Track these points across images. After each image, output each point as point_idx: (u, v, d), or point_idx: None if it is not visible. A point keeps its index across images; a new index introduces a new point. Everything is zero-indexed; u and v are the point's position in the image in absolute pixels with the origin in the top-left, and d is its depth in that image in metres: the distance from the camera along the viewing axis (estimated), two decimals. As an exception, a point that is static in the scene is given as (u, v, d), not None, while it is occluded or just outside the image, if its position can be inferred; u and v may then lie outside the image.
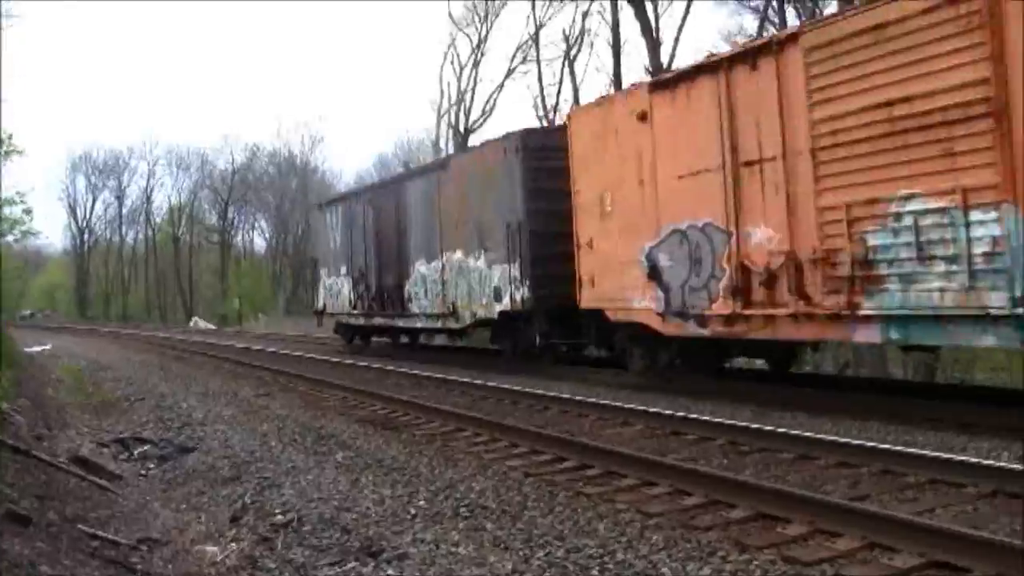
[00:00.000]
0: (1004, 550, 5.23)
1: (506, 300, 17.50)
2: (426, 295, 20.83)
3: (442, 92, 50.43)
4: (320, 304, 28.09)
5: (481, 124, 47.16)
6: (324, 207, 28.15)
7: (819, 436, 8.90)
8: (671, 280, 13.23)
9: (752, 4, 32.61)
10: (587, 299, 15.20)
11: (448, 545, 6.26)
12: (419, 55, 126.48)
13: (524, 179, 17.02)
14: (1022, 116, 8.62)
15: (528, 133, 17.75)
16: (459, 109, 48.27)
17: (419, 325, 22.02)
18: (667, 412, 10.88)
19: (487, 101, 48.10)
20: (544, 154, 17.01)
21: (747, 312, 11.96)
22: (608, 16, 35.97)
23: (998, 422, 9.28)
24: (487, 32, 47.60)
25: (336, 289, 26.53)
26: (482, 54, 48.31)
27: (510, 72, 46.35)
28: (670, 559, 5.75)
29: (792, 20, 27.03)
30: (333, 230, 26.61)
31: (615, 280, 14.45)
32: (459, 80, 49.00)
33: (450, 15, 63.06)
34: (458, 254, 19.31)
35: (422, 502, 7.39)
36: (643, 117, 13.64)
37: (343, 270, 25.94)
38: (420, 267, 21.05)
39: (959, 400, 11.19)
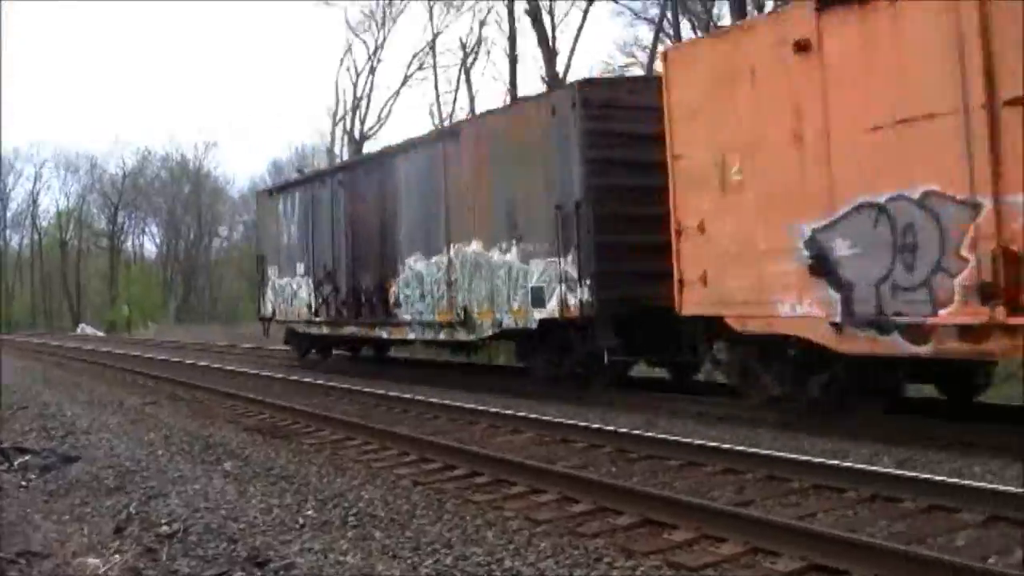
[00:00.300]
0: (881, 552, 5.33)
1: (552, 304, 13.39)
2: (422, 298, 16.58)
3: (338, 98, 51.49)
4: (268, 310, 23.37)
5: (377, 131, 47.52)
6: (275, 193, 23.54)
7: (706, 443, 9.05)
8: (855, 276, 9.32)
9: (647, 16, 33.48)
10: (696, 303, 11.21)
11: (336, 554, 6.16)
12: (315, 61, 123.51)
13: (584, 145, 12.95)
14: None
15: (588, 85, 13.63)
16: (355, 115, 48.41)
17: (411, 336, 17.61)
18: (557, 420, 11.03)
19: (383, 108, 49.01)
20: (610, 113, 13.03)
21: (1016, 321, 8.05)
22: (505, 26, 36.10)
23: (880, 431, 9.48)
24: (384, 38, 47.84)
25: (289, 292, 22.10)
26: (379, 60, 48.78)
27: (406, 79, 47.02)
28: (557, 566, 5.73)
29: (687, 33, 27.72)
30: (286, 221, 22.18)
31: (746, 276, 10.51)
32: (355, 86, 49.42)
33: (347, 21, 65.98)
34: (474, 246, 15.12)
35: (311, 511, 7.31)
36: (803, 47, 9.75)
37: (300, 269, 21.50)
38: (415, 263, 16.80)
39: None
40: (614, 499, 7.01)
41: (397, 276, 17.39)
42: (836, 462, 7.82)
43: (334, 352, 23.02)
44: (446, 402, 12.93)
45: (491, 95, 63.77)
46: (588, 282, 12.75)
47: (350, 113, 49.15)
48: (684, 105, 11.29)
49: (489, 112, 17.36)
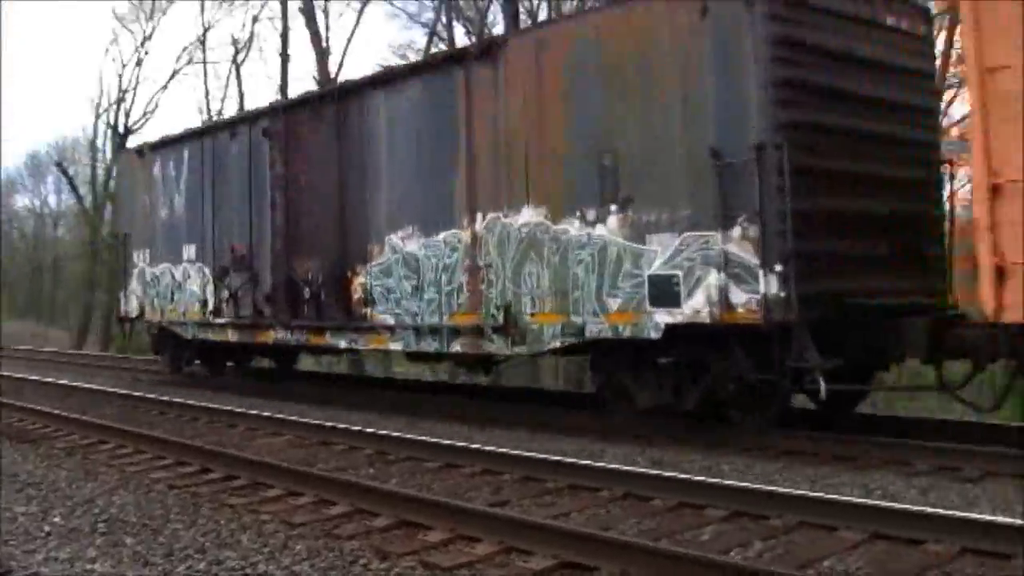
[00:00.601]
0: (629, 548, 5.38)
1: (696, 302, 8.73)
2: (416, 293, 11.54)
3: (102, 90, 52.60)
4: (132, 306, 17.43)
5: (142, 124, 45.15)
6: (149, 153, 17.37)
7: (464, 444, 9.01)
8: None
9: (422, 20, 33.01)
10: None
11: (84, 562, 5.84)
12: (78, 51, 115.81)
13: (769, 59, 8.42)
14: None
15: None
16: (119, 108, 45.39)
17: (394, 347, 12.38)
18: (316, 422, 10.76)
19: (150, 101, 49.73)
20: (807, 18, 8.65)
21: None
22: (279, 23, 35.34)
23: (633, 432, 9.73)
24: (152, 30, 45.19)
25: (169, 284, 16.29)
26: (146, 52, 46.85)
27: (175, 73, 46.31)
28: (312, 569, 5.58)
29: (461, 39, 27.29)
30: (166, 189, 16.49)
31: None
32: (120, 78, 47.29)
33: (114, 11, 63.41)
34: (526, 215, 10.27)
35: (58, 518, 6.89)
36: None
37: (188, 253, 15.85)
38: (403, 243, 11.75)
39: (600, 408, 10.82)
40: (371, 501, 6.91)
41: (368, 262, 12.21)
42: (589, 462, 7.90)
43: (229, 365, 17.60)
44: (204, 404, 12.68)
45: (263, 93, 60.63)
46: (779, 269, 8.19)
47: (114, 105, 45.51)
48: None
49: (563, 18, 12.35)
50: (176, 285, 16.20)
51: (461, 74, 11.19)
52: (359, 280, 12.36)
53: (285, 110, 14.27)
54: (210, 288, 15.24)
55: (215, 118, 34.77)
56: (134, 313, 17.53)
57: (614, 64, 9.52)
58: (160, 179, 16.76)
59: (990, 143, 7.19)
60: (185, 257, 15.98)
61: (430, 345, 11.63)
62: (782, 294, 8.18)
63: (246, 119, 15.43)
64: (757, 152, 8.32)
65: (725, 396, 9.17)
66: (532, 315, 10.26)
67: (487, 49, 11.09)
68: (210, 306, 15.22)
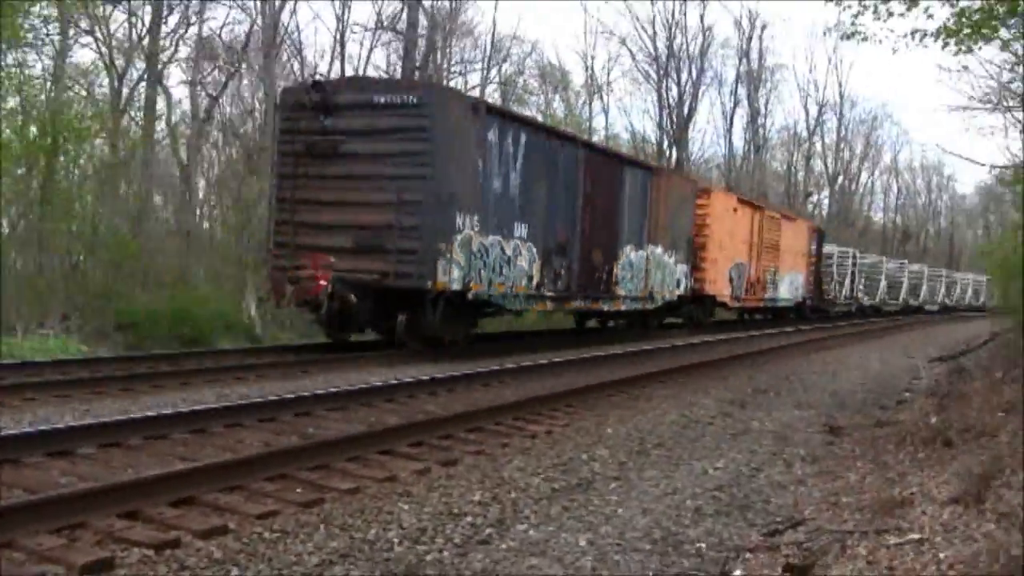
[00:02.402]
0: None
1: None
2: (632, 280, 22.86)
3: None
4: (453, 276, 15.74)
5: None
6: (486, 114, 16.69)
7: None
8: None
9: None
10: None
11: None
12: None
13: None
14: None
15: None
16: None
17: (624, 308, 22.87)
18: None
19: None
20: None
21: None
22: None
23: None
24: None
25: (495, 257, 17.10)
26: None
27: None
28: None
29: None
30: (503, 162, 17.16)
31: None
32: None
33: None
34: (657, 248, 24.77)
35: None
36: None
37: (520, 231, 17.86)
38: (629, 253, 22.90)
39: None
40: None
41: (618, 260, 22.17)
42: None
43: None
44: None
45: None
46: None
47: None
48: None
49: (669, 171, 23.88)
50: (505, 260, 17.28)
51: (655, 177, 23.95)
52: (615, 270, 21.96)
53: (593, 149, 21.20)
54: (536, 265, 18.31)
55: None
56: (456, 285, 15.83)
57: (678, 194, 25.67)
58: (496, 147, 16.80)
59: None
60: (516, 234, 17.58)
61: (632, 305, 23.40)
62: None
63: (572, 139, 20.03)
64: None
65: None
66: (661, 291, 24.64)
67: (658, 172, 24.51)
68: (535, 281, 18.36)
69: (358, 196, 15.44)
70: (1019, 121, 22.30)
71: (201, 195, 34.22)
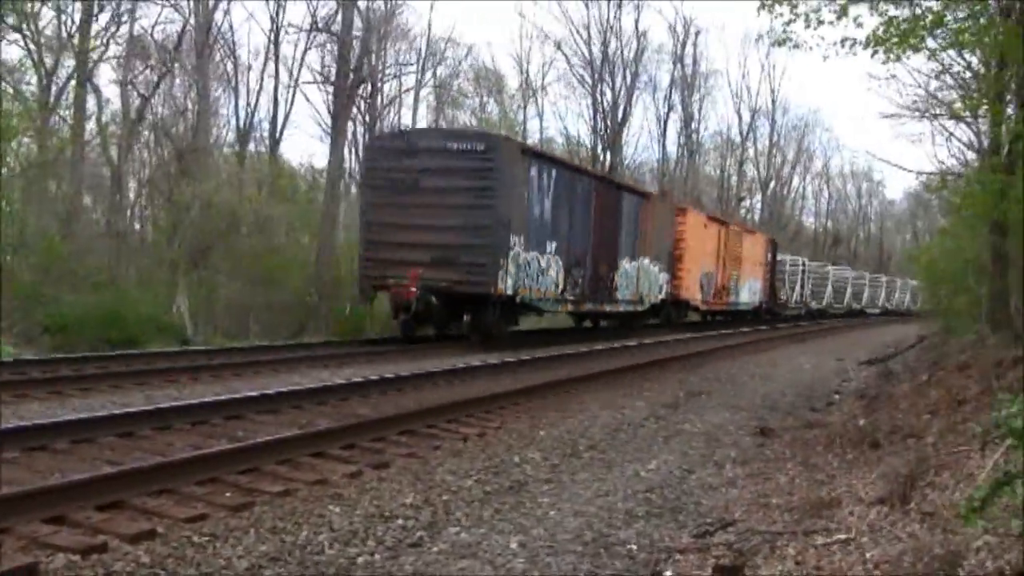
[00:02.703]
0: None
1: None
2: (627, 286, 26.71)
3: None
4: (507, 284, 20.05)
5: None
6: (529, 156, 21.25)
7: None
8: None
9: None
10: None
11: None
12: None
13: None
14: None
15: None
16: None
17: (621, 309, 27.37)
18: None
19: None
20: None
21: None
22: None
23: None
24: None
25: (535, 268, 21.55)
26: None
27: None
28: None
29: None
30: (540, 192, 21.58)
31: None
32: None
33: None
34: (645, 260, 28.68)
35: None
36: None
37: (550, 248, 22.24)
38: (625, 264, 26.70)
39: None
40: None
41: (616, 270, 26.17)
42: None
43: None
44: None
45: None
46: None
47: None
48: None
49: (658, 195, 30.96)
50: (540, 271, 21.57)
51: (645, 201, 28.27)
52: (615, 278, 26.03)
53: (600, 180, 25.76)
54: (561, 275, 22.61)
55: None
56: (510, 291, 20.05)
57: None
58: (536, 181, 21.05)
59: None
60: (547, 250, 21.84)
61: (627, 307, 27.53)
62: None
63: (586, 172, 25.59)
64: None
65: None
66: (648, 295, 27.99)
67: (647, 195, 29.38)
68: (559, 287, 22.61)
69: (434, 221, 19.48)
70: (945, 129, 22.83)
71: (132, 196, 33.73)
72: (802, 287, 48.85)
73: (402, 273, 19.39)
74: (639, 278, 27.70)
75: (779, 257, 45.02)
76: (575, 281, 23.69)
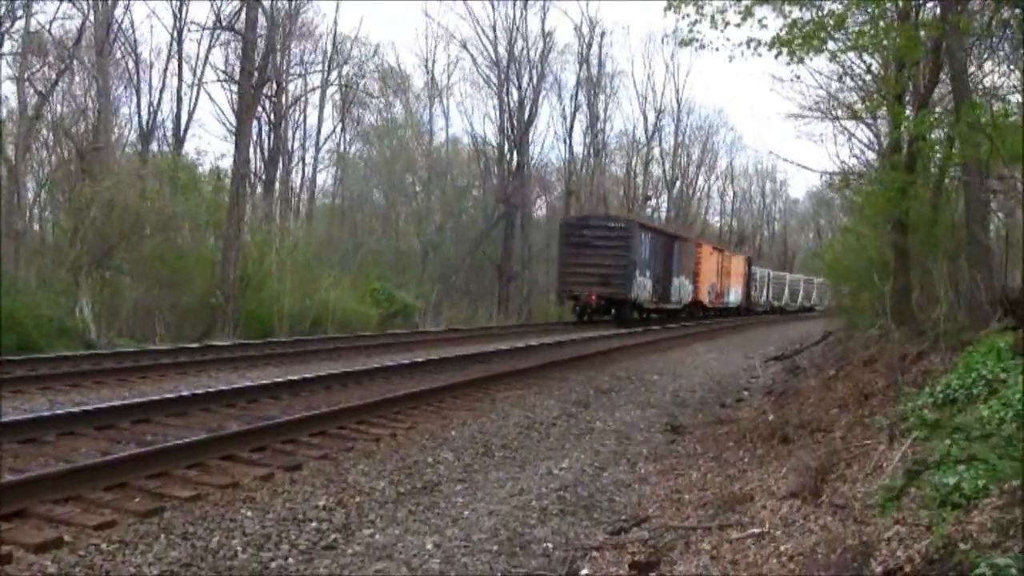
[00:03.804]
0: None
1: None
2: (656, 291, 43.21)
3: None
4: (635, 294, 38.36)
5: None
6: (641, 228, 40.11)
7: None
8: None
9: None
10: None
11: None
12: None
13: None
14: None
15: None
16: None
17: (671, 307, 44.26)
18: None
19: None
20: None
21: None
22: None
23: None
24: None
25: (643, 283, 39.33)
26: None
27: None
28: None
29: None
30: (643, 245, 39.36)
31: None
32: None
33: None
34: (682, 277, 33.61)
35: None
36: None
37: (645, 273, 39.67)
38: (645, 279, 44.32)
39: None
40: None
41: (672, 283, 43.12)
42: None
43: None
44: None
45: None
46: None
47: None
48: None
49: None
50: (644, 286, 39.41)
51: (681, 241, 45.91)
52: (671, 288, 42.97)
53: (653, 231, 44.87)
54: (651, 289, 40.50)
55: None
56: (635, 297, 38.29)
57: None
58: (642, 240, 39.22)
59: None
60: (647, 275, 39.87)
61: (674, 306, 45.19)
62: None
63: (660, 231, 44.46)
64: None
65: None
66: (683, 299, 44.37)
67: (683, 238, 45.31)
68: (651, 294, 40.60)
69: (598, 263, 36.89)
70: (847, 130, 23.38)
71: (31, 196, 32.79)
72: (767, 290, 65.52)
73: (583, 290, 36.75)
74: (680, 288, 44.76)
75: (752, 268, 61.21)
76: (656, 291, 41.78)
